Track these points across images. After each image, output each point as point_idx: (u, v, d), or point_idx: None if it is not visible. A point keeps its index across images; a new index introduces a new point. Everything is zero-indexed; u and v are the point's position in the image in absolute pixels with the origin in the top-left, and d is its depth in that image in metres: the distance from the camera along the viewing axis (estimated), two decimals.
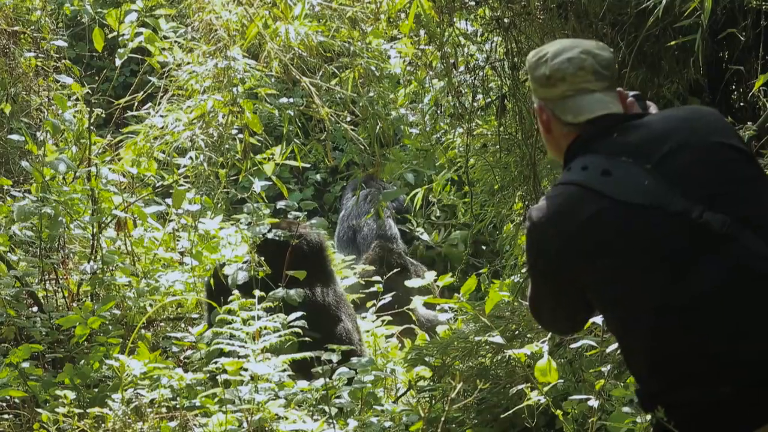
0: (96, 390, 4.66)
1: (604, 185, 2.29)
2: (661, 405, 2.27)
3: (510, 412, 3.93)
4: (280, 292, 4.97)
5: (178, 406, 4.38)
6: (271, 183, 5.91)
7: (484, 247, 7.44)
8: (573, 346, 3.94)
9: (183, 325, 5.43)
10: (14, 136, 5.85)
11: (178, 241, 5.96)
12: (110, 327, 5.07)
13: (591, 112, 2.41)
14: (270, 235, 5.23)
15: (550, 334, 3.97)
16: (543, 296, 2.46)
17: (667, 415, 2.25)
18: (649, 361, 2.28)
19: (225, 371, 4.24)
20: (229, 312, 4.56)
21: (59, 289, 5.51)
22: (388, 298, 5.98)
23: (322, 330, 4.99)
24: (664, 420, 2.26)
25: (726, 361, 2.21)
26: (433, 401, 4.37)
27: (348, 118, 5.29)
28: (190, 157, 5.34)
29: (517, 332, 4.21)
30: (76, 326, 4.88)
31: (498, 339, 4.00)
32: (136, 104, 5.74)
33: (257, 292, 4.79)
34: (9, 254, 5.41)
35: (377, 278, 6.12)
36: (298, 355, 4.53)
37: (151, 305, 5.28)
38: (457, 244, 7.40)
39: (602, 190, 2.29)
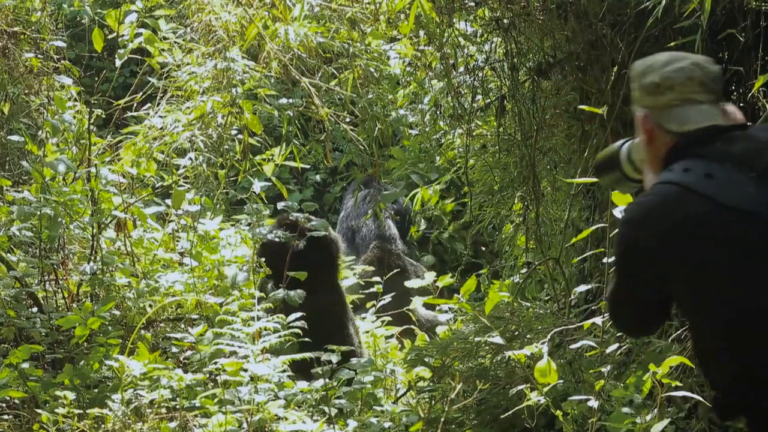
0: (96, 391, 4.66)
1: (707, 187, 2.29)
2: (742, 413, 2.26)
3: (510, 412, 3.93)
4: (280, 293, 4.98)
5: (177, 406, 4.38)
6: (270, 184, 5.91)
7: (483, 248, 7.44)
8: (573, 346, 3.94)
9: (183, 326, 5.42)
10: (14, 137, 5.84)
11: (177, 241, 5.95)
12: (110, 328, 5.07)
13: (696, 122, 2.41)
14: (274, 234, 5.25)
15: (549, 335, 3.97)
16: (624, 293, 2.44)
17: (749, 425, 2.25)
18: (734, 367, 2.27)
19: (225, 371, 4.24)
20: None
21: (59, 290, 5.51)
22: (387, 298, 5.98)
23: (326, 331, 4.99)
24: (745, 430, 2.26)
25: None
26: (433, 402, 4.37)
27: (347, 119, 5.29)
28: (190, 158, 5.34)
29: (516, 333, 4.21)
30: (75, 327, 4.88)
31: (498, 340, 4.00)
32: (135, 105, 5.74)
33: (257, 293, 4.79)
34: (9, 255, 5.41)
35: (377, 279, 6.12)
36: (298, 356, 4.53)
37: (150, 306, 5.28)
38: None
39: (705, 192, 2.28)
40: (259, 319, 4.55)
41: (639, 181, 2.58)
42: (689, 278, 2.28)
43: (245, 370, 4.25)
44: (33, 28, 6.01)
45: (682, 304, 2.34)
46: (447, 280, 6.59)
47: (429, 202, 7.25)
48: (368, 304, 6.12)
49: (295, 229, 5.30)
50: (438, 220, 7.54)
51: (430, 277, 6.50)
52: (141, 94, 5.72)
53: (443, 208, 7.32)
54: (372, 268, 6.59)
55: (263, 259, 5.23)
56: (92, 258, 5.44)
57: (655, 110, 2.45)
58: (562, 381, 3.88)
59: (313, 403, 4.43)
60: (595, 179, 4.20)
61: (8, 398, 4.56)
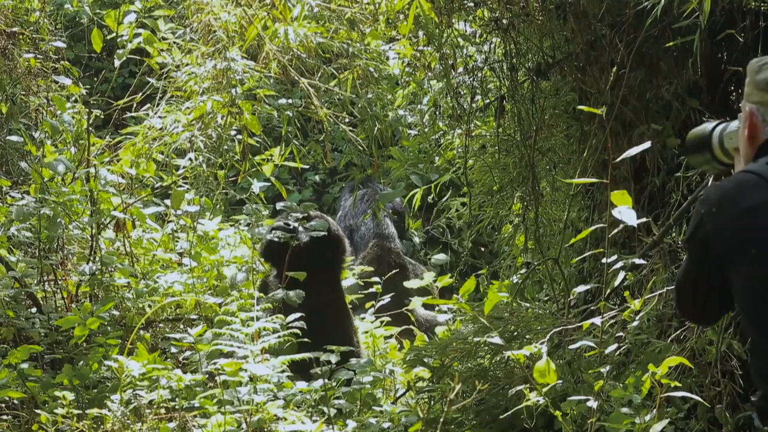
0: (95, 391, 4.66)
1: None
2: None
3: (509, 413, 3.92)
4: (279, 292, 4.98)
5: (177, 407, 4.38)
6: (269, 184, 5.91)
7: (482, 248, 7.44)
8: (572, 347, 3.94)
9: (182, 326, 5.43)
10: (13, 137, 5.84)
11: (176, 242, 5.96)
12: (109, 328, 5.07)
13: None
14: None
15: (548, 335, 3.97)
16: (689, 275, 2.45)
17: None
18: None
19: (224, 372, 4.24)
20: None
21: (58, 290, 5.51)
22: (387, 298, 5.98)
23: (326, 331, 5.00)
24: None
25: None
26: (432, 402, 4.37)
27: (347, 119, 5.29)
28: (189, 158, 5.34)
29: (515, 333, 4.21)
30: (74, 327, 4.88)
31: (497, 340, 4.00)
32: (134, 105, 5.74)
33: (256, 293, 4.80)
34: (8, 255, 5.41)
35: (376, 279, 6.12)
36: (297, 356, 4.53)
37: (149, 306, 5.28)
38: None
39: None
40: (258, 319, 4.55)
41: (728, 165, 2.58)
42: (747, 269, 2.29)
43: (244, 371, 4.25)
44: (32, 28, 6.01)
45: (741, 294, 2.33)
46: (446, 280, 6.59)
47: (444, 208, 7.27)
48: (367, 305, 6.12)
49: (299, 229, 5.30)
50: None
51: (429, 277, 6.50)
52: (140, 94, 5.72)
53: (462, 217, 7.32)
54: (371, 268, 6.60)
55: (270, 254, 5.24)
56: (91, 258, 5.44)
57: (764, 107, 2.44)
58: (561, 381, 3.87)
59: (312, 403, 4.43)
60: (591, 180, 4.21)
61: (7, 398, 4.55)
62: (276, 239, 5.18)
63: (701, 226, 2.37)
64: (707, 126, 2.62)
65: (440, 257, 7.19)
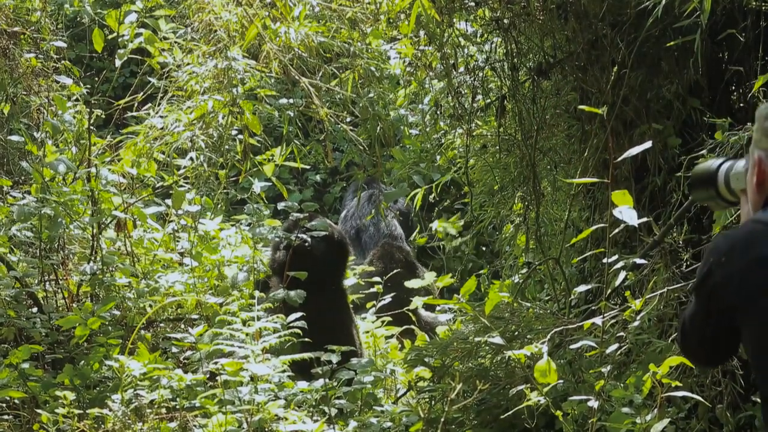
0: (96, 391, 4.66)
1: None
2: None
3: (510, 412, 3.93)
4: (281, 293, 4.98)
5: (177, 406, 4.38)
6: (270, 184, 5.91)
7: (483, 248, 7.44)
8: (573, 347, 3.94)
9: (183, 326, 5.43)
10: (14, 137, 5.84)
11: (177, 241, 5.95)
12: (110, 328, 5.07)
13: None
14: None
15: (549, 335, 3.97)
16: (695, 320, 2.45)
17: None
18: None
19: (225, 371, 4.24)
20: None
21: (59, 290, 5.51)
22: (388, 298, 5.98)
23: (328, 332, 5.00)
24: None
25: None
26: (433, 402, 4.37)
27: (348, 119, 5.29)
28: (190, 158, 5.34)
29: (516, 333, 4.21)
30: (75, 327, 4.88)
31: (498, 340, 4.00)
32: (135, 105, 5.74)
33: (257, 292, 4.80)
34: (9, 255, 5.41)
35: (377, 279, 6.12)
36: (298, 356, 4.53)
37: (150, 306, 5.28)
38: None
39: None
40: (259, 319, 4.55)
41: (733, 203, 2.59)
42: (757, 319, 2.30)
43: (245, 370, 4.25)
44: (33, 28, 6.01)
45: (747, 344, 2.34)
46: (447, 280, 6.59)
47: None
48: (368, 304, 6.12)
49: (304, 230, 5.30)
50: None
51: (430, 277, 6.50)
52: (141, 94, 5.72)
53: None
54: (373, 268, 6.60)
55: (278, 256, 5.25)
56: (92, 258, 5.44)
57: None
58: (562, 381, 3.87)
59: (313, 403, 4.43)
60: (592, 180, 4.21)
61: (8, 398, 4.56)
62: (284, 251, 5.22)
63: (710, 275, 2.37)
64: (713, 163, 2.62)
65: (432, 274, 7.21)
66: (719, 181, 2.58)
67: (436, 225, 7.45)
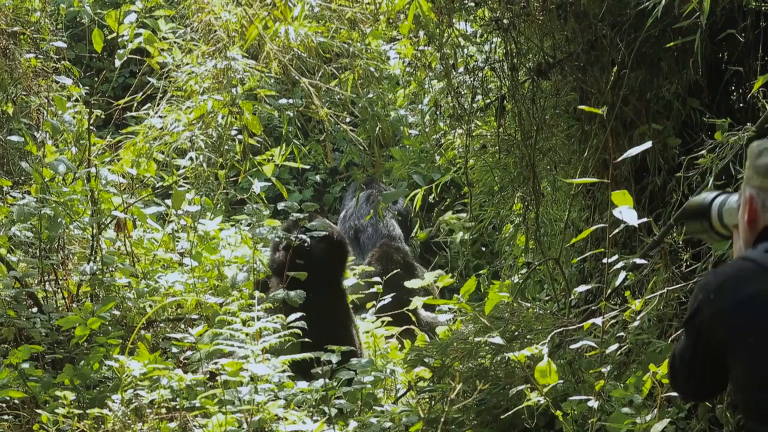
0: (96, 391, 4.66)
1: None
2: None
3: (510, 413, 3.93)
4: (280, 293, 4.98)
5: (177, 406, 4.38)
6: (270, 184, 5.91)
7: (483, 248, 7.44)
8: (573, 347, 3.94)
9: (183, 326, 5.43)
10: (14, 137, 5.84)
11: (177, 241, 5.96)
12: (110, 328, 5.07)
13: None
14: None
15: (549, 335, 3.97)
16: (685, 355, 2.48)
17: None
18: None
19: (225, 371, 4.24)
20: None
21: (59, 290, 5.51)
22: (387, 298, 5.98)
23: (328, 332, 5.00)
24: None
25: None
26: (433, 402, 4.37)
27: (347, 119, 5.29)
28: (190, 158, 5.34)
29: (516, 333, 4.21)
30: (75, 327, 4.88)
31: (497, 340, 4.00)
32: (135, 105, 5.74)
33: (257, 293, 4.80)
34: (9, 255, 5.41)
35: (377, 279, 6.12)
36: (298, 356, 4.53)
37: (150, 306, 5.28)
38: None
39: None
40: (259, 319, 4.55)
41: (726, 237, 2.60)
42: (747, 356, 2.31)
43: (245, 370, 4.25)
44: (33, 28, 6.01)
45: (735, 381, 2.36)
46: (447, 280, 6.59)
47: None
48: (368, 304, 6.12)
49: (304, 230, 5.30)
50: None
51: (429, 277, 6.50)
52: (141, 94, 5.72)
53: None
54: (372, 268, 6.60)
55: (277, 256, 5.25)
56: (92, 258, 5.45)
57: (764, 192, 2.44)
58: (562, 381, 3.88)
59: (313, 403, 4.43)
60: (592, 180, 4.22)
61: (8, 398, 4.56)
62: (283, 252, 5.22)
63: (699, 311, 2.39)
64: (707, 196, 2.63)
65: (438, 272, 7.20)
66: (712, 214, 2.60)
67: (444, 217, 7.45)
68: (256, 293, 4.79)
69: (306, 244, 5.23)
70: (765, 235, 2.42)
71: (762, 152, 2.45)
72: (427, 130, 5.54)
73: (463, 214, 7.41)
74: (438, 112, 5.35)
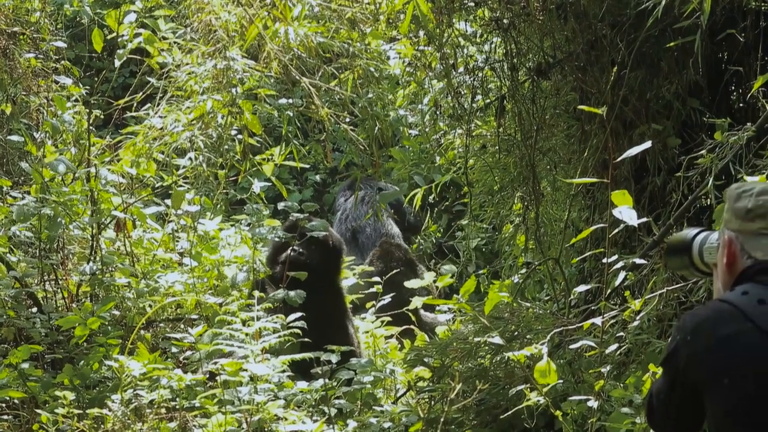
0: (95, 391, 4.66)
1: (754, 311, 2.35)
2: None
3: (509, 413, 3.93)
4: (280, 293, 4.98)
5: (177, 406, 4.38)
6: (270, 184, 5.91)
7: (483, 248, 7.44)
8: (572, 347, 3.94)
9: (182, 326, 5.43)
10: (14, 137, 5.84)
11: (177, 241, 5.96)
12: (110, 328, 5.07)
13: None
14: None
15: (549, 335, 3.97)
16: (661, 394, 2.50)
17: None
18: None
19: (224, 371, 4.24)
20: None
21: (59, 290, 5.51)
22: (387, 298, 5.98)
23: (327, 332, 5.00)
24: None
25: None
26: (433, 402, 4.37)
27: (347, 119, 5.29)
28: (190, 158, 5.34)
29: (516, 333, 4.21)
30: (75, 327, 4.88)
31: (497, 340, 4.00)
32: (135, 105, 5.74)
33: (257, 293, 4.79)
34: (8, 255, 5.41)
35: (377, 278, 6.12)
36: (298, 356, 4.53)
37: (150, 306, 5.28)
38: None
39: (750, 314, 2.34)
40: (258, 319, 4.55)
41: (707, 274, 2.62)
42: (723, 397, 2.33)
43: (245, 370, 4.25)
44: (33, 28, 6.01)
45: (710, 421, 2.38)
46: (447, 280, 6.59)
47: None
48: (368, 305, 6.12)
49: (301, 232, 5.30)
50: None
51: (430, 277, 6.50)
52: (141, 94, 5.72)
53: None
54: (373, 268, 6.60)
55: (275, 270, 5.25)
56: (92, 258, 5.45)
57: (742, 235, 2.46)
58: (561, 381, 3.88)
59: (313, 403, 4.43)
60: (592, 180, 4.21)
61: (8, 398, 4.56)
62: (281, 265, 5.23)
63: (676, 352, 2.42)
64: (689, 233, 2.65)
65: (449, 267, 7.19)
66: (693, 251, 2.63)
67: (463, 223, 7.43)
68: (256, 293, 4.79)
69: (302, 257, 5.21)
70: (743, 277, 2.45)
71: (740, 195, 2.48)
72: (427, 130, 5.54)
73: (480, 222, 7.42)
74: (438, 112, 5.35)
